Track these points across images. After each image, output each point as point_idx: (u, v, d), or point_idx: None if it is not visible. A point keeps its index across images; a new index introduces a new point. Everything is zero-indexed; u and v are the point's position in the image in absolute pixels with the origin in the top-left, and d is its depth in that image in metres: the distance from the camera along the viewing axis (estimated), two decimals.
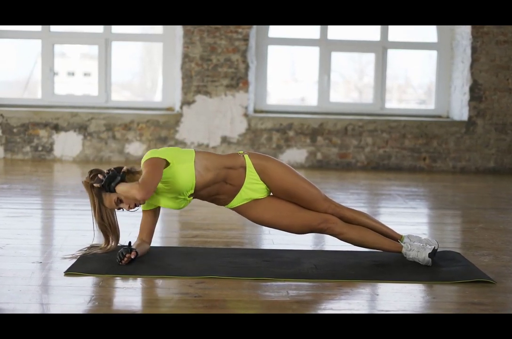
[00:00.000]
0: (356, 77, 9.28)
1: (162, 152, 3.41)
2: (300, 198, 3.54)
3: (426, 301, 3.00)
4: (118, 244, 3.59)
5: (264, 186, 3.56)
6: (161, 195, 3.48)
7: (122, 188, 3.32)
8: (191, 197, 3.50)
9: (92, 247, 3.60)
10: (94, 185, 3.36)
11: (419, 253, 3.46)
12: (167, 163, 3.38)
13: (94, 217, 3.45)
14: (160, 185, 3.40)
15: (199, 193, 3.49)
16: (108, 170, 3.39)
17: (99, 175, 3.37)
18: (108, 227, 3.48)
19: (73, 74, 9.75)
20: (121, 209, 3.43)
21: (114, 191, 3.34)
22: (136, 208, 3.41)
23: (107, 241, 3.53)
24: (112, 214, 3.48)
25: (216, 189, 3.51)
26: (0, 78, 8.75)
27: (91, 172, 3.43)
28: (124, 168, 3.42)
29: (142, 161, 3.42)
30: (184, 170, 3.39)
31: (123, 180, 3.36)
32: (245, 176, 3.53)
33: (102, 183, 3.34)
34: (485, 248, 3.97)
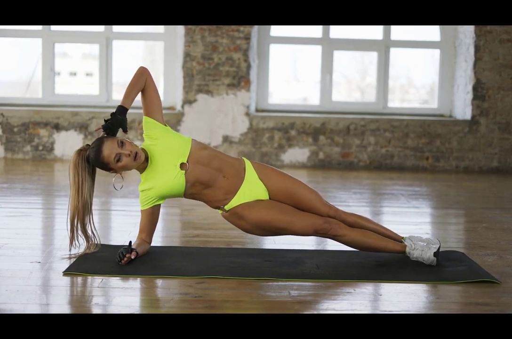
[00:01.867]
0: (358, 77, 9.24)
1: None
2: (300, 198, 3.51)
3: (429, 302, 2.96)
4: (101, 242, 3.55)
5: (263, 186, 3.52)
6: (153, 159, 3.43)
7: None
8: (184, 171, 3.40)
9: (90, 246, 3.55)
10: (103, 127, 3.37)
11: (424, 252, 3.43)
12: (164, 125, 3.51)
13: (74, 200, 3.36)
14: (153, 147, 3.43)
15: (192, 169, 3.40)
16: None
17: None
18: (83, 216, 3.40)
19: (75, 74, 9.72)
20: (119, 160, 3.31)
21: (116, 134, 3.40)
22: (135, 162, 3.34)
23: (73, 238, 3.42)
24: (91, 189, 3.42)
25: (212, 175, 3.43)
26: (2, 77, 8.73)
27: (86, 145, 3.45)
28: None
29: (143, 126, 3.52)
30: (179, 135, 3.50)
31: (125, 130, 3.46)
32: (244, 175, 3.51)
33: (111, 120, 3.38)
34: (489, 248, 3.94)
